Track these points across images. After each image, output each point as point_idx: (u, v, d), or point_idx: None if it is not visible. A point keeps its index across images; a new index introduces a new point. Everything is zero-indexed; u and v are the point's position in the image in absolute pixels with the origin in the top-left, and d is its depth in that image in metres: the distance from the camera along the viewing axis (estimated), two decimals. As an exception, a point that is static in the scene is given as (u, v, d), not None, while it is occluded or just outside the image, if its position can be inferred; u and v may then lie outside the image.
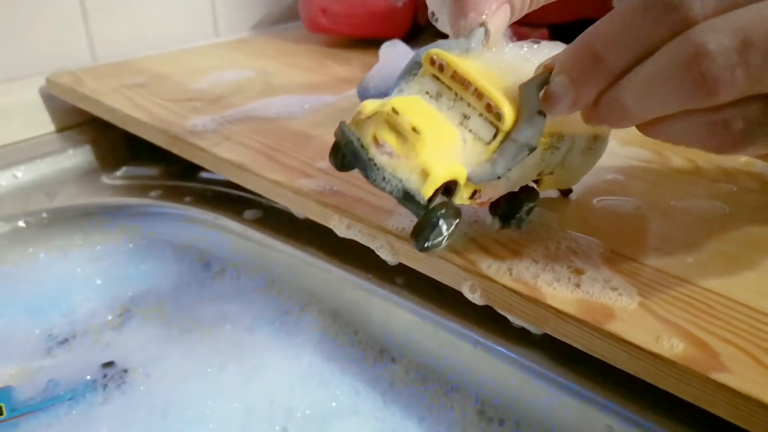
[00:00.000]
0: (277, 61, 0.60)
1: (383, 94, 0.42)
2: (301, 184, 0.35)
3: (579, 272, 0.27)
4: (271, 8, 0.76)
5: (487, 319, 0.34)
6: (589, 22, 0.67)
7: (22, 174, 0.49)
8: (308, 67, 0.58)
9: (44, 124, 0.56)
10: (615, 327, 0.24)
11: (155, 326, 0.43)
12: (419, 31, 0.65)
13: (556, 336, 0.26)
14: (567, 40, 0.66)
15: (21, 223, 0.45)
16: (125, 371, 0.39)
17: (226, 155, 0.39)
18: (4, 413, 0.37)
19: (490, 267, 0.28)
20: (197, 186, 0.48)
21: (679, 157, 0.39)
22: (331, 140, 0.27)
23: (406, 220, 0.31)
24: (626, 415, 0.29)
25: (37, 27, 0.56)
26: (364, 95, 0.45)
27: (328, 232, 0.36)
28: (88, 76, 0.55)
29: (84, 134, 0.54)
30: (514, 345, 0.32)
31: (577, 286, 0.26)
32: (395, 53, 0.44)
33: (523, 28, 0.55)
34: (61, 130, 0.56)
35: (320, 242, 0.41)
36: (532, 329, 0.31)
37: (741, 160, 0.39)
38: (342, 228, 0.33)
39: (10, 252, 0.45)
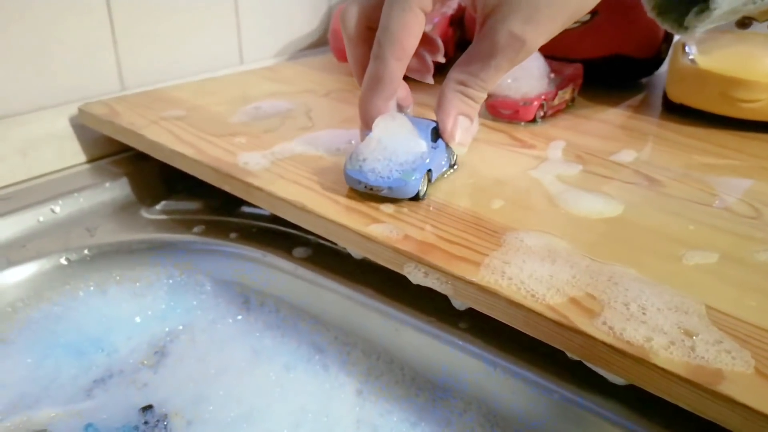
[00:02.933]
0: (311, 92, 0.58)
1: (383, 178, 0.36)
2: (371, 229, 0.34)
3: (689, 334, 0.26)
4: (294, 36, 0.75)
5: (560, 366, 0.33)
6: (623, 57, 0.67)
7: (60, 209, 0.47)
8: (343, 99, 0.57)
9: (75, 154, 0.54)
10: (730, 390, 0.23)
11: (190, 364, 0.41)
12: (443, 66, 0.64)
13: (663, 396, 0.25)
14: (601, 74, 0.66)
15: (63, 261, 0.43)
16: (165, 416, 0.37)
17: (285, 195, 0.38)
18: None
19: (590, 323, 0.27)
20: (241, 221, 0.47)
21: (734, 199, 0.39)
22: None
23: (487, 270, 0.30)
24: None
25: (67, 55, 0.54)
26: (355, 178, 0.36)
27: (383, 272, 0.35)
28: (121, 105, 0.53)
29: (119, 166, 0.52)
30: (595, 395, 0.31)
31: (692, 349, 0.25)
32: (393, 127, 0.37)
33: (557, 63, 0.55)
34: (92, 160, 0.55)
35: (376, 283, 0.40)
36: (618, 381, 0.30)
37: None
38: (419, 276, 0.32)
39: (50, 290, 0.43)
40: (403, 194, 0.36)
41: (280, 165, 0.42)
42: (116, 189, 0.50)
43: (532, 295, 0.28)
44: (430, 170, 0.37)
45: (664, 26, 0.41)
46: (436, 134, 0.38)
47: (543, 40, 0.33)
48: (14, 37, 0.50)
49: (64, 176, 0.51)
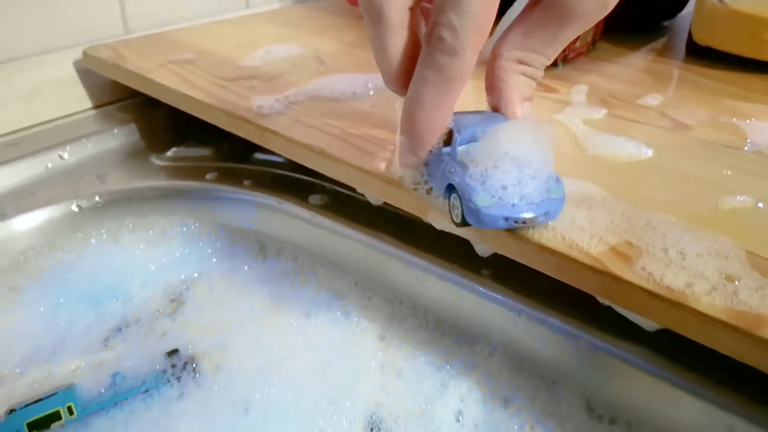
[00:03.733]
0: (322, 35, 0.56)
1: (536, 204, 0.26)
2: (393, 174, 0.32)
3: (731, 279, 0.25)
4: (301, -22, 0.72)
5: (585, 311, 0.32)
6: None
7: (68, 155, 0.45)
8: (355, 44, 0.54)
9: (81, 100, 0.52)
10: (774, 335, 0.23)
11: (210, 312, 0.40)
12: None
13: (703, 342, 0.24)
14: (622, 17, 0.62)
15: (74, 208, 0.42)
16: (192, 358, 0.37)
17: (303, 140, 0.36)
18: (75, 413, 0.34)
19: (628, 269, 0.26)
20: (255, 168, 0.45)
21: (766, 143, 0.37)
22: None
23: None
24: (751, 416, 0.27)
25: (69, -3, 0.51)
26: (501, 216, 0.26)
27: (401, 218, 0.33)
28: (126, 49, 0.51)
29: (126, 112, 0.50)
30: (622, 341, 0.31)
31: (735, 294, 0.24)
32: (516, 134, 0.28)
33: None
34: (98, 106, 0.53)
35: (395, 230, 0.39)
36: (650, 327, 0.30)
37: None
38: (444, 222, 0.31)
39: (60, 238, 0.42)
40: (556, 215, 0.27)
41: (295, 109, 0.40)
42: (124, 135, 0.48)
43: (567, 242, 0.27)
44: None
45: None
46: None
47: None
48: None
49: (71, 122, 0.49)
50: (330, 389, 0.33)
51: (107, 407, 0.35)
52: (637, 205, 0.30)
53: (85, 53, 0.50)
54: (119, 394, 0.35)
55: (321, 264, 0.41)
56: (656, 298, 0.25)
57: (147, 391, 0.35)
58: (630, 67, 0.50)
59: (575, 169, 0.33)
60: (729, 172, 0.33)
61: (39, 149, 0.44)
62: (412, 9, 0.27)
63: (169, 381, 0.34)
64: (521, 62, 0.28)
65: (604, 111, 0.41)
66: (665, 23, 0.61)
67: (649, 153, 0.35)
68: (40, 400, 0.34)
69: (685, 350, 0.29)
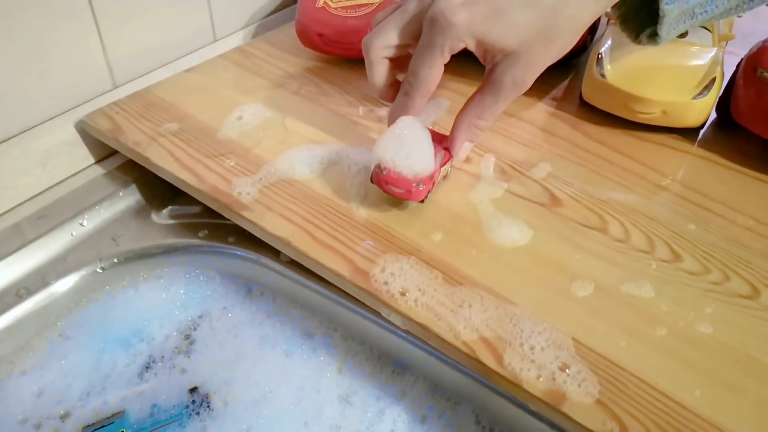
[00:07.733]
0: (283, 87, 0.63)
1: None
2: (344, 270, 0.43)
3: (563, 368, 0.37)
4: (261, 3, 0.77)
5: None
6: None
7: (87, 222, 0.54)
8: (312, 98, 0.62)
9: (85, 157, 0.60)
10: (572, 412, 0.35)
11: (214, 350, 0.51)
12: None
13: (532, 408, 0.37)
14: None
15: (98, 269, 0.52)
16: (207, 396, 0.47)
17: (273, 230, 0.46)
18: (129, 435, 0.46)
19: (489, 358, 0.38)
20: (236, 226, 0.55)
21: (612, 218, 0.48)
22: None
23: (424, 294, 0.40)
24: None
25: (58, 62, 0.57)
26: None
27: None
28: (120, 116, 0.58)
29: (126, 173, 0.58)
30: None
31: (556, 380, 0.36)
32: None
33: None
34: (99, 160, 0.60)
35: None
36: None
37: (660, 219, 0.49)
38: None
39: (92, 293, 0.52)
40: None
41: (267, 195, 0.49)
42: (128, 196, 0.57)
43: (458, 337, 0.39)
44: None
45: (624, 33, 0.52)
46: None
47: (535, 78, 0.43)
48: (17, 52, 0.53)
49: (82, 185, 0.57)
50: (305, 415, 0.46)
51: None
52: (508, 296, 0.41)
53: (85, 122, 0.57)
54: (158, 422, 0.47)
55: (295, 306, 0.52)
56: (502, 379, 0.37)
57: (180, 420, 0.47)
58: (531, 124, 0.59)
59: (473, 266, 0.44)
60: (578, 257, 0.45)
61: (63, 220, 0.53)
62: (386, 57, 0.47)
63: (190, 415, 0.46)
64: (477, 116, 0.46)
65: (504, 186, 0.51)
66: (574, 60, 0.69)
67: (529, 236, 0.46)
68: (103, 426, 0.46)
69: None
